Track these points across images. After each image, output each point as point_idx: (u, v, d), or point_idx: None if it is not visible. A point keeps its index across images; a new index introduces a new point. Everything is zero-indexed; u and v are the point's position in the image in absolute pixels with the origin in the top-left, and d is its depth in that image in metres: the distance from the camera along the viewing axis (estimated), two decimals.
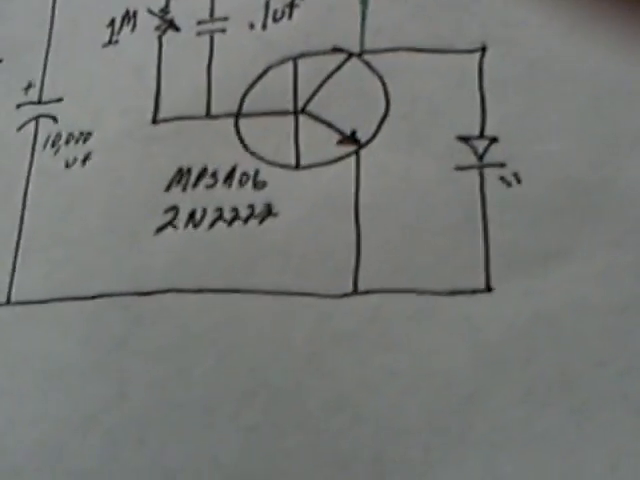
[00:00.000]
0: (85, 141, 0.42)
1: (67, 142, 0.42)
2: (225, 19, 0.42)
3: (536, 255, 0.36)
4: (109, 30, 0.44)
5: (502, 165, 0.37)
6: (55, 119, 0.43)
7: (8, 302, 0.40)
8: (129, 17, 0.44)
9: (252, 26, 0.42)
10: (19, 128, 0.44)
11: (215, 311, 0.38)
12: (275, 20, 0.41)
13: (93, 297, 0.39)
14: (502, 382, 0.35)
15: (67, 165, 0.42)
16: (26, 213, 0.42)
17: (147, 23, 0.43)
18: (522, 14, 0.38)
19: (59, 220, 0.41)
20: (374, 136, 0.38)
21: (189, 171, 0.40)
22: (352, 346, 0.36)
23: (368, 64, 0.40)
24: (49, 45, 0.45)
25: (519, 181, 0.36)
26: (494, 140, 0.37)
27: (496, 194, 0.36)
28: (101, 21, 0.45)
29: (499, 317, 0.35)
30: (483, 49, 0.38)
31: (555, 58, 0.38)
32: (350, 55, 0.40)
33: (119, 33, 0.44)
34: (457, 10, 0.39)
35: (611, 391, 0.34)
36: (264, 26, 0.41)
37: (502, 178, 0.37)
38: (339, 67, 0.40)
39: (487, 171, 0.37)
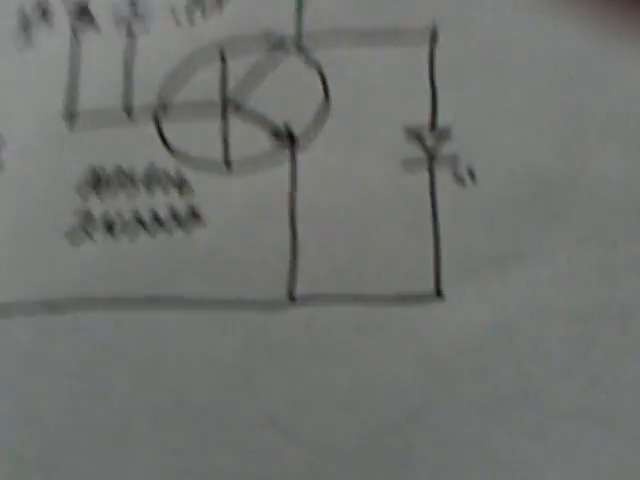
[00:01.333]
0: None
1: None
2: (147, 13, 0.41)
3: (492, 258, 0.35)
4: (21, 27, 0.42)
5: (454, 159, 0.36)
6: None
7: None
8: (42, 11, 0.42)
9: (178, 21, 0.40)
10: None
11: (133, 323, 0.37)
12: (204, 14, 0.40)
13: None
14: (451, 397, 0.34)
15: None
16: None
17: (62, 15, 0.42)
18: None
19: None
20: (311, 132, 0.37)
21: (103, 170, 0.39)
22: (286, 360, 0.35)
23: (304, 50, 0.38)
24: None
25: (473, 177, 0.36)
26: (446, 132, 0.36)
27: (448, 193, 0.36)
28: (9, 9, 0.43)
29: (450, 326, 0.34)
30: (433, 30, 0.37)
31: (514, 40, 0.37)
32: (284, 41, 0.39)
33: (31, 28, 0.42)
34: None
35: (574, 404, 0.33)
36: (191, 20, 0.40)
37: (455, 175, 0.36)
38: (272, 54, 0.38)
39: (438, 167, 0.36)
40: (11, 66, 0.42)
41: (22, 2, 0.42)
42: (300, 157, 0.37)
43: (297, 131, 0.37)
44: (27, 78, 0.41)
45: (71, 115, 0.40)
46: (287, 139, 0.37)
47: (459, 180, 0.36)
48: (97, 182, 0.39)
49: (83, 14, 0.42)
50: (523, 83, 0.36)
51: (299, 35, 0.38)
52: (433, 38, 0.37)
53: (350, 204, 0.36)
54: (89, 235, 0.38)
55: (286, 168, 0.37)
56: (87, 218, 0.39)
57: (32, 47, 0.42)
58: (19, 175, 0.40)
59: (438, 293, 0.35)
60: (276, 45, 0.39)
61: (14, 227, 0.39)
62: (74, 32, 0.41)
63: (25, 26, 0.42)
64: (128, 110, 0.39)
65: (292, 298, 0.36)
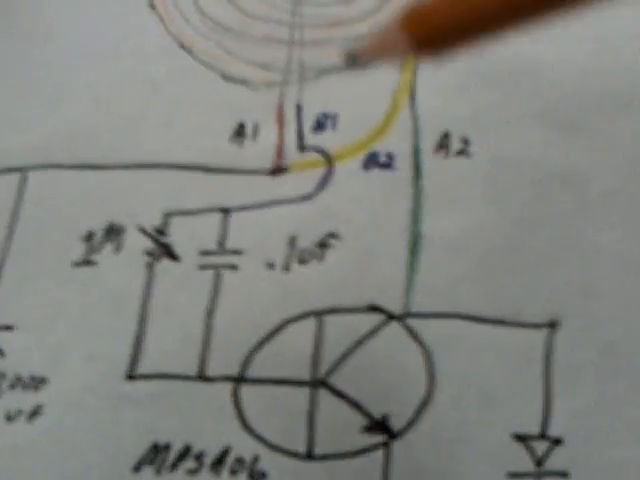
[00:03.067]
0: (36, 389, 0.37)
1: (13, 386, 0.37)
2: (237, 252, 0.39)
3: None
4: (84, 245, 0.40)
5: (564, 475, 0.34)
6: (1, 352, 0.38)
7: None
8: (114, 232, 0.40)
9: (271, 265, 0.39)
10: None
11: None
12: (301, 262, 0.38)
13: None
14: None
15: (9, 418, 0.37)
16: None
17: (136, 244, 0.40)
18: (603, 285, 0.37)
19: None
20: (410, 425, 0.35)
21: (167, 448, 0.36)
22: None
23: (411, 332, 0.37)
24: (5, 255, 0.40)
25: None
26: (557, 442, 0.35)
27: None
28: (75, 233, 0.40)
29: None
30: (552, 325, 0.36)
31: (635, 340, 0.36)
32: (390, 317, 0.37)
33: (98, 252, 0.40)
34: (526, 274, 0.37)
35: None
36: (286, 267, 0.39)
37: None
38: (374, 331, 0.37)
39: None
40: (65, 287, 0.39)
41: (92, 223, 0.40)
42: (395, 454, 0.35)
43: (394, 422, 0.35)
44: (82, 313, 0.39)
45: (135, 372, 0.37)
46: (382, 430, 0.36)
47: None
48: (156, 458, 0.36)
49: (161, 240, 0.40)
50: None
51: (407, 313, 0.37)
52: (552, 330, 0.36)
53: None
54: None
55: (377, 465, 0.35)
56: None
57: (95, 272, 0.39)
58: (60, 430, 0.37)
59: None
60: (381, 322, 0.37)
61: None
62: (148, 257, 0.39)
63: (88, 242, 0.40)
64: (203, 377, 0.37)
65: None
